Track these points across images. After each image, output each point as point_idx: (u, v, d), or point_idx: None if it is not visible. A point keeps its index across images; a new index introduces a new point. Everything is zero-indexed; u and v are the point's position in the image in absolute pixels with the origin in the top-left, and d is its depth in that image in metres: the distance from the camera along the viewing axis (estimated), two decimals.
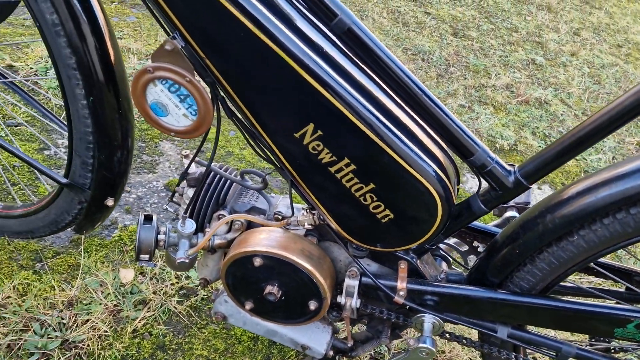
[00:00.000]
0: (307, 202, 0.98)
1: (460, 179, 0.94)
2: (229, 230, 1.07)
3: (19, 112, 1.78)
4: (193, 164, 1.07)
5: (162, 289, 1.37)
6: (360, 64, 0.82)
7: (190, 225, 1.02)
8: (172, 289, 1.38)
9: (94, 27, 0.89)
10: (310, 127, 0.82)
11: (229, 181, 1.09)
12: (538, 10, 3.74)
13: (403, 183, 0.84)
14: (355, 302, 1.01)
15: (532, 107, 2.65)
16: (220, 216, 1.06)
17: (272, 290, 1.00)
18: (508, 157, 2.28)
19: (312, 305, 1.01)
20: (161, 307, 1.34)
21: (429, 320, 1.01)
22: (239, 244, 1.01)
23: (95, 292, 1.33)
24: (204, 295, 1.39)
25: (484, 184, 0.91)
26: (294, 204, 1.02)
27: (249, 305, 1.05)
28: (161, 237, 1.02)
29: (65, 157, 1.63)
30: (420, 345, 0.99)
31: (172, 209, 1.16)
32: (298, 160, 0.87)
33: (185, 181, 1.12)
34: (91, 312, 1.28)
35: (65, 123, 1.29)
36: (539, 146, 2.38)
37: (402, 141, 0.82)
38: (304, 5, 0.80)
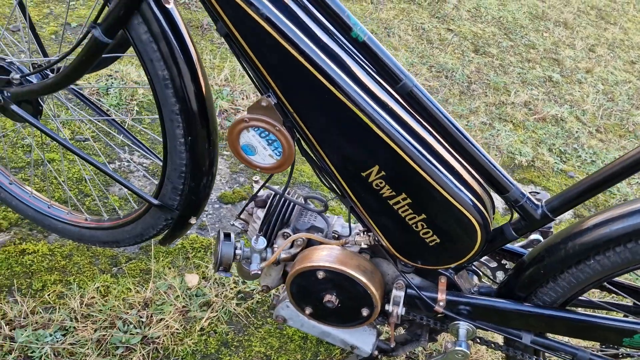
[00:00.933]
0: (363, 225, 1.16)
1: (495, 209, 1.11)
2: (292, 246, 1.25)
3: (85, 127, 1.97)
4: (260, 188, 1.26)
5: (222, 293, 1.56)
6: (417, 116, 1.00)
7: (262, 242, 1.20)
8: (231, 293, 1.56)
9: (194, 77, 1.07)
10: (376, 168, 1.00)
11: (292, 203, 1.27)
12: (555, 27, 3.89)
13: (450, 214, 1.02)
14: (400, 309, 1.18)
15: (549, 124, 2.81)
16: (285, 234, 1.24)
17: (331, 298, 1.18)
18: (526, 173, 2.45)
19: (365, 312, 1.18)
20: (222, 308, 1.52)
21: (463, 327, 1.18)
22: (304, 258, 1.19)
23: (166, 294, 1.52)
24: (258, 298, 1.58)
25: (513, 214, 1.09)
26: (346, 224, 1.20)
27: (308, 310, 1.23)
28: (238, 252, 1.21)
29: (129, 170, 1.82)
30: (457, 348, 1.17)
31: (239, 225, 1.34)
32: (361, 193, 1.05)
33: (253, 202, 1.30)
34: (164, 312, 1.47)
35: (149, 149, 1.48)
36: (555, 162, 2.54)
37: (451, 181, 1.00)
38: (374, 70, 0.98)
